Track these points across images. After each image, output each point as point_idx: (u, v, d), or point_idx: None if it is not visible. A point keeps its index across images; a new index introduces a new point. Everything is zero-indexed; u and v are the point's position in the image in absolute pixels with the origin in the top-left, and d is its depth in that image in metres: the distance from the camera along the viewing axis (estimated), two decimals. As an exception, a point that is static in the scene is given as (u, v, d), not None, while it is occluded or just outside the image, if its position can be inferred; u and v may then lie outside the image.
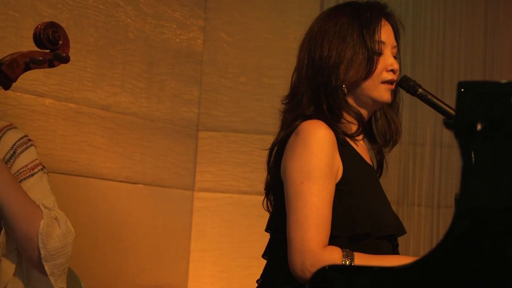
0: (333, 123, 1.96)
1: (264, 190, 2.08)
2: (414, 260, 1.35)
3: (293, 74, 2.07)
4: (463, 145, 1.25)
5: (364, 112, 2.05)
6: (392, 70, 2.02)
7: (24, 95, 2.90)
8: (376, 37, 1.99)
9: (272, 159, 2.02)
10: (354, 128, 2.01)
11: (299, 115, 1.98)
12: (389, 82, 2.03)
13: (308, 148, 1.88)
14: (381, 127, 2.11)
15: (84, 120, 3.13)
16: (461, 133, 1.27)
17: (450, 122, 1.27)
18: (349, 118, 2.01)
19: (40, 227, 1.90)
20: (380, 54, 2.01)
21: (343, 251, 1.84)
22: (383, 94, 2.02)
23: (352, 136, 2.00)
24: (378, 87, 2.01)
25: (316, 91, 1.99)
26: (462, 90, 1.26)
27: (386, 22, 2.05)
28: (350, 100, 2.03)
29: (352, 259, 1.82)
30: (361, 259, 1.83)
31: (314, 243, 1.82)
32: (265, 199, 2.07)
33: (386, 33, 2.03)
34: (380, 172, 2.15)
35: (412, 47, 3.69)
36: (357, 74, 1.98)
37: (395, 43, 2.06)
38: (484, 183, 1.26)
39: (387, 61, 2.02)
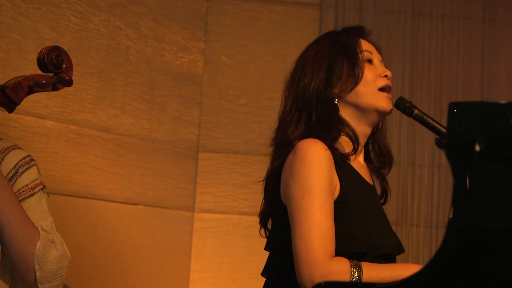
0: (329, 141, 1.98)
1: (260, 220, 2.09)
2: (420, 268, 1.36)
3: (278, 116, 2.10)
4: (454, 165, 1.27)
5: (362, 129, 2.06)
6: (386, 76, 2.06)
7: (25, 117, 2.94)
8: (360, 47, 2.05)
9: (268, 186, 2.04)
10: (350, 147, 2.03)
11: (293, 138, 2.00)
12: (386, 89, 2.06)
13: (306, 165, 1.90)
14: (374, 154, 2.14)
15: (85, 141, 3.15)
16: (453, 153, 1.29)
17: (442, 142, 1.29)
18: (343, 137, 2.03)
19: (36, 249, 1.92)
20: (369, 62, 2.06)
21: (350, 261, 1.85)
22: (383, 101, 2.04)
23: (348, 156, 2.02)
24: (377, 95, 2.04)
25: (306, 109, 2.01)
26: (456, 110, 1.28)
27: (366, 41, 2.11)
28: (347, 115, 2.05)
29: (360, 269, 1.83)
30: (369, 269, 1.84)
31: (320, 253, 1.83)
32: (262, 228, 2.09)
33: (370, 47, 2.09)
34: (384, 199, 2.16)
35: (410, 69, 3.72)
36: (344, 84, 2.01)
37: (381, 58, 2.11)
38: (475, 204, 1.28)
39: (379, 69, 2.06)
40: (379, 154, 2.13)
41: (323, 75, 2.02)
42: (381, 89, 2.05)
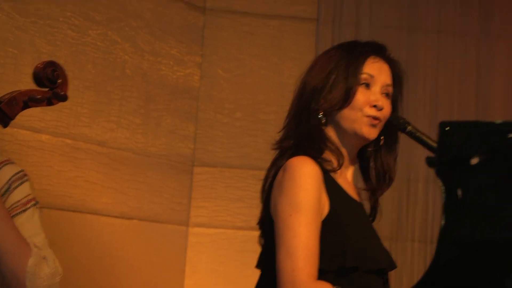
0: (316, 155, 1.98)
1: (257, 224, 2.09)
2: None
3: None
4: (445, 179, 1.28)
5: (345, 148, 2.05)
6: (376, 106, 2.02)
7: (20, 131, 2.94)
8: (361, 69, 2.01)
9: (264, 193, 2.04)
10: (335, 162, 2.02)
11: (285, 146, 2.01)
12: (372, 117, 2.02)
13: (296, 182, 1.90)
14: (376, 172, 2.11)
15: (80, 155, 3.15)
16: (444, 169, 1.30)
17: (433, 161, 1.30)
18: (328, 151, 2.03)
19: (28, 266, 1.92)
20: (366, 86, 2.03)
21: (334, 287, 1.85)
22: (363, 126, 2.01)
23: (333, 171, 2.01)
24: (360, 120, 2.01)
25: (298, 116, 2.03)
26: (448, 128, 1.29)
27: (381, 60, 2.06)
28: (332, 132, 2.05)
29: None
30: None
31: (304, 273, 1.83)
32: (260, 234, 2.09)
33: (377, 69, 2.04)
34: (373, 218, 2.15)
35: (405, 84, 3.72)
36: (333, 101, 2.00)
37: (388, 82, 2.06)
38: (467, 218, 1.29)
39: (371, 96, 2.02)
40: (382, 173, 2.10)
41: (320, 85, 2.02)
42: (368, 116, 2.02)
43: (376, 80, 2.04)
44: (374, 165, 2.12)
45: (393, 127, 2.08)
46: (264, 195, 2.03)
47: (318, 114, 2.01)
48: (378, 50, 2.08)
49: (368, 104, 2.01)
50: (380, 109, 2.02)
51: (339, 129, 2.04)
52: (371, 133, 2.03)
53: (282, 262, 1.86)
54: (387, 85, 2.06)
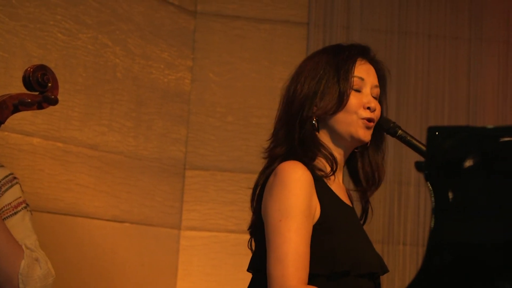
0: (308, 161, 1.98)
1: (248, 230, 2.09)
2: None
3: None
4: (436, 186, 1.29)
5: (339, 152, 2.05)
6: (369, 108, 2.03)
7: (11, 135, 2.93)
8: (352, 73, 2.02)
9: (255, 200, 2.04)
10: (328, 167, 2.03)
11: (276, 153, 2.02)
12: (367, 119, 2.03)
13: (286, 187, 1.90)
14: (363, 173, 2.12)
15: (71, 159, 3.15)
16: (433, 175, 1.30)
17: (422, 165, 1.30)
18: (322, 156, 2.03)
19: (20, 268, 1.92)
20: (357, 90, 2.03)
21: None
22: (359, 129, 2.01)
23: (326, 177, 2.02)
24: (355, 122, 2.01)
25: (290, 124, 2.02)
26: (437, 133, 1.30)
27: (366, 62, 2.07)
28: (325, 136, 2.05)
29: None
30: None
31: (295, 279, 1.83)
32: (251, 239, 2.09)
33: (365, 71, 2.05)
34: (364, 219, 2.15)
35: (396, 88, 3.74)
36: (327, 106, 2.00)
37: (375, 83, 2.07)
38: (457, 221, 1.29)
39: (364, 99, 2.03)
40: (370, 173, 2.11)
41: (310, 91, 2.02)
42: (362, 118, 2.02)
43: (366, 82, 2.05)
44: (362, 166, 2.12)
45: (379, 127, 2.09)
46: (254, 202, 2.03)
47: (312, 121, 2.01)
48: (363, 52, 2.08)
49: (361, 106, 2.02)
50: (373, 111, 2.04)
51: (333, 133, 2.04)
52: (367, 135, 2.04)
53: (272, 267, 1.86)
54: (375, 86, 2.08)
